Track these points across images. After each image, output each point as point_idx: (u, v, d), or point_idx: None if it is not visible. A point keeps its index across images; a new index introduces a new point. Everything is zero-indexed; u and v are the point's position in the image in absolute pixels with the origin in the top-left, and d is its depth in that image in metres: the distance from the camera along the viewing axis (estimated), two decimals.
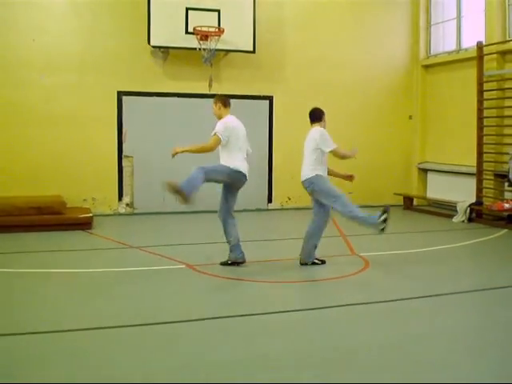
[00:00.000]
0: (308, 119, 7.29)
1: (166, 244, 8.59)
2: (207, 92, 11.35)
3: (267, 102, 12.16)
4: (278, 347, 4.60)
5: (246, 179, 7.01)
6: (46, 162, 10.79)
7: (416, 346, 4.63)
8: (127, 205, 11.47)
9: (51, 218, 9.47)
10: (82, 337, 4.82)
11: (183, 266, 7.13)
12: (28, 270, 6.94)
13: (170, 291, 6.20)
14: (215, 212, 7.18)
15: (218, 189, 7.18)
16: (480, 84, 11.13)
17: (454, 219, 10.95)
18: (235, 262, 7.13)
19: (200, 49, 10.88)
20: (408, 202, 12.82)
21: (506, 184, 10.45)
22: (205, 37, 10.80)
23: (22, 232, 9.09)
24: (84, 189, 11.05)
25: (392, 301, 5.88)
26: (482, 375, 4.07)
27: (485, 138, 11.18)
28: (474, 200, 11.02)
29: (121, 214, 11.37)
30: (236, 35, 11.16)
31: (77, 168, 10.97)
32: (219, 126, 6.85)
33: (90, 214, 9.98)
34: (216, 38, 10.83)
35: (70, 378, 3.98)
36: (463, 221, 10.81)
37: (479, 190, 11.18)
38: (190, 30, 10.83)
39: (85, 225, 9.65)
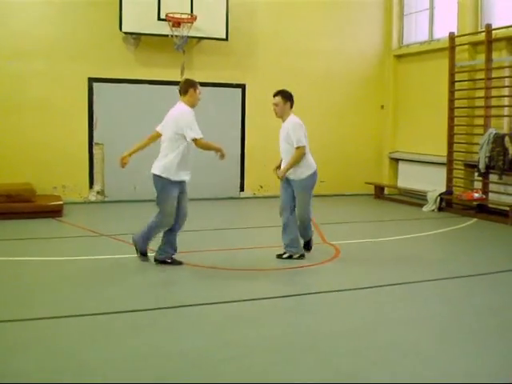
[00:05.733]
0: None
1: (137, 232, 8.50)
2: (179, 79, 11.26)
3: (240, 90, 12.12)
4: (251, 334, 4.61)
5: (155, 178, 6.37)
6: (15, 150, 10.60)
7: (385, 333, 4.68)
8: (98, 192, 11.36)
9: (21, 206, 9.33)
10: (50, 325, 4.78)
11: (154, 254, 7.08)
12: None
13: (139, 279, 6.19)
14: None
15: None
16: (451, 75, 11.23)
17: (425, 208, 11.06)
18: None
19: (172, 36, 10.79)
20: (379, 191, 12.91)
21: (476, 174, 10.58)
22: (177, 23, 10.71)
23: None
24: (54, 176, 10.90)
25: (362, 288, 5.94)
26: (448, 360, 4.15)
27: (455, 128, 11.29)
28: (444, 189, 11.15)
29: (91, 202, 11.26)
30: (209, 22, 11.07)
31: (47, 155, 10.82)
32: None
33: (61, 202, 9.87)
34: (188, 24, 10.74)
35: (39, 365, 3.96)
36: (433, 210, 10.92)
37: (449, 179, 11.31)
38: (163, 16, 10.71)
39: (55, 213, 9.55)
